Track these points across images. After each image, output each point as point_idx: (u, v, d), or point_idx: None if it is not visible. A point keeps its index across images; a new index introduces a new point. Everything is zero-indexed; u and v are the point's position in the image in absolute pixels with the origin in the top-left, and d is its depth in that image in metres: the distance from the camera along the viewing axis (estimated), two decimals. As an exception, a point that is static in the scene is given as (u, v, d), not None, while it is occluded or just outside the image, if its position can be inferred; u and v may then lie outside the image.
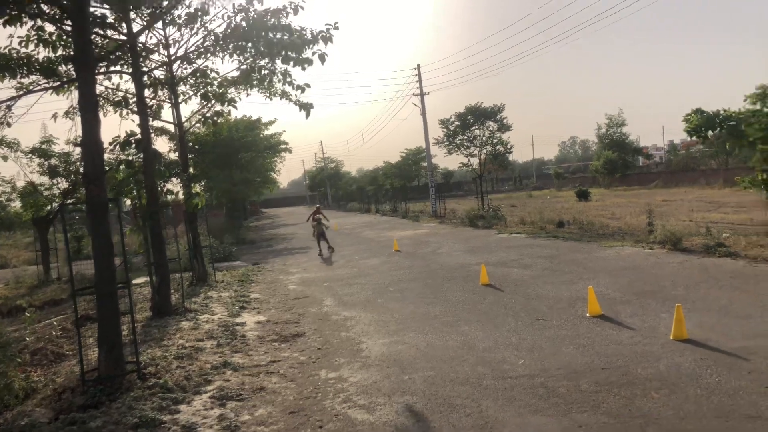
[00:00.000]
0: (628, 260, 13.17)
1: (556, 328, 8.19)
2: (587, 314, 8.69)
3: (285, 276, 16.07)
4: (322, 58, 11.91)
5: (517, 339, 7.83)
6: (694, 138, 15.28)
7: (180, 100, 15.05)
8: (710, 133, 13.90)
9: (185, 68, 13.81)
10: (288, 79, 12.48)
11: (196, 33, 13.01)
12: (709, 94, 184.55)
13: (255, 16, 12.27)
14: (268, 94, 13.92)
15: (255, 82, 13.66)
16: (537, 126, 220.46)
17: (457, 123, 29.91)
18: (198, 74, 13.81)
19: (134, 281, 15.13)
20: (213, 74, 13.85)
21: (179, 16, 12.70)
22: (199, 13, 12.42)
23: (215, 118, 15.00)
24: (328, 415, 5.81)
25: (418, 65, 38.99)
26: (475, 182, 32.60)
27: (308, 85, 12.45)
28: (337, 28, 11.50)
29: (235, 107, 13.87)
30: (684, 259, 12.57)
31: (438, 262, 15.83)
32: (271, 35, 12.18)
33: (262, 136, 34.23)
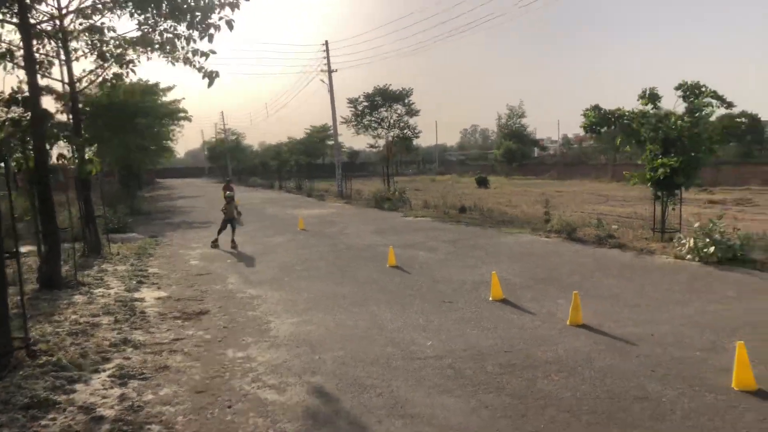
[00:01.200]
0: (527, 247, 13.83)
1: (461, 310, 8.46)
2: (490, 298, 9.04)
3: (185, 251, 15.50)
4: (229, 24, 11.45)
5: (425, 320, 8.02)
6: (588, 133, 16.16)
7: (73, 57, 13.98)
8: (604, 129, 14.74)
9: (80, 23, 12.85)
10: (192, 45, 11.95)
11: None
12: (603, 92, 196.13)
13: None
14: (170, 59, 13.24)
15: (156, 46, 12.97)
16: (441, 112, 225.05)
17: (365, 103, 29.93)
18: (94, 31, 12.88)
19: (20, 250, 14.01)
20: (111, 33, 12.98)
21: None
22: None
23: (113, 81, 14.08)
24: (236, 395, 5.69)
25: (326, 41, 38.44)
26: (382, 164, 32.86)
27: (213, 52, 11.93)
28: (247, -1, 11.08)
29: (134, 71, 13.12)
30: (578, 248, 13.37)
31: (345, 243, 15.86)
32: (175, -4, 11.57)
33: (160, 102, 32.64)
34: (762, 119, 48.98)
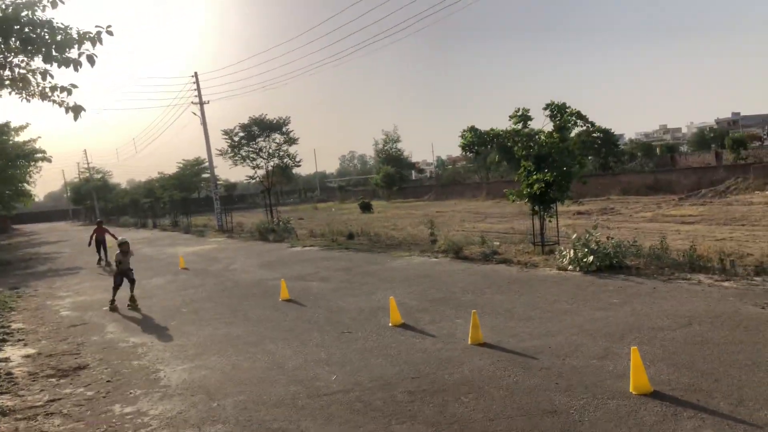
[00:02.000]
0: (419, 269, 13.97)
1: (362, 340, 8.29)
2: (390, 324, 8.95)
3: (53, 301, 14.12)
4: (90, 59, 10.71)
5: (326, 354, 7.76)
6: (465, 153, 16.69)
7: None
8: (481, 148, 15.35)
9: None
10: (49, 81, 11.08)
11: None
12: (473, 115, 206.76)
13: (9, 8, 10.67)
14: (24, 95, 12.16)
15: (7, 82, 11.88)
16: (318, 140, 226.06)
17: (242, 134, 29.23)
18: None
19: None
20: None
21: None
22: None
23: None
24: (129, 458, 5.13)
25: (196, 73, 37.34)
26: (263, 195, 32.18)
27: (75, 86, 11.13)
28: (111, 33, 10.44)
29: (-19, 108, 11.90)
30: (467, 266, 13.70)
31: (232, 279, 15.20)
32: (27, 30, 10.69)
33: (11, 142, 29.99)
34: (614, 133, 53.64)
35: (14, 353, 9.09)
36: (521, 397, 5.70)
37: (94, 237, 21.44)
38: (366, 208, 42.05)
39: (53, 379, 7.59)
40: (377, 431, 5.27)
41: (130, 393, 6.82)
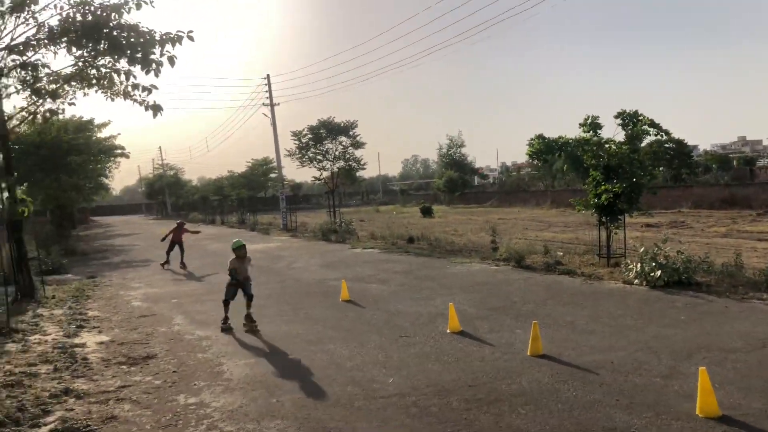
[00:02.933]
0: (478, 276, 13.88)
1: (420, 344, 8.31)
2: (448, 330, 8.94)
3: (126, 291, 14.81)
4: (171, 60, 11.26)
5: (384, 356, 7.83)
6: (532, 161, 16.42)
7: (3, 94, 13.36)
8: (549, 156, 15.11)
9: (13, 60, 12.34)
10: (132, 80, 11.68)
11: (26, 23, 11.70)
12: (539, 122, 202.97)
13: (98, 11, 11.30)
14: (109, 94, 12.85)
15: (93, 81, 12.59)
16: (382, 143, 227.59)
17: (309, 136, 29.81)
18: (29, 68, 12.41)
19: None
20: (45, 70, 12.52)
21: (1, 2, 11.39)
22: (27, 1, 11.18)
23: (47, 114, 13.50)
24: (192, 446, 5.34)
25: (268, 75, 38.44)
26: (327, 196, 32.68)
27: (155, 87, 11.68)
28: (192, 39, 10.93)
29: (73, 104, 12.66)
30: (528, 276, 13.50)
31: (294, 278, 15.52)
32: (115, 33, 11.29)
33: (94, 138, 31.63)
34: (688, 144, 51.57)
35: (90, 339, 9.59)
36: (579, 412, 5.59)
37: (170, 237, 19.68)
38: (427, 212, 42.00)
39: (124, 367, 7.97)
40: (432, 437, 5.29)
41: (194, 384, 7.08)
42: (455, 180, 67.59)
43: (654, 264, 11.44)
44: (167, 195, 79.85)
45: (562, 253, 15.54)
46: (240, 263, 10.04)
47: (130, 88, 11.82)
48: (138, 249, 28.48)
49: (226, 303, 10.04)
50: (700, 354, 7.10)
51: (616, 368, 6.77)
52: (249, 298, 10.06)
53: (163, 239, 20.02)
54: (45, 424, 5.87)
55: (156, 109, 11.95)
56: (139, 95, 11.79)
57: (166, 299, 13.30)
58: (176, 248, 19.49)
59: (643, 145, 15.12)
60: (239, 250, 10.00)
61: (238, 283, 9.91)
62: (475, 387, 6.48)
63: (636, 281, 11.63)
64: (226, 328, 9.88)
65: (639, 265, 11.77)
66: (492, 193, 66.04)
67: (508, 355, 7.59)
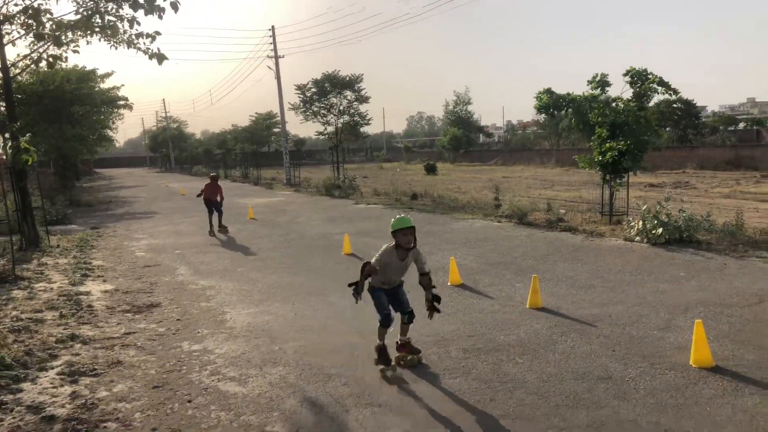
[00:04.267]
0: (480, 232, 13.93)
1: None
2: (449, 283, 9.03)
3: (130, 242, 14.93)
4: (174, 6, 11.07)
5: (385, 308, 7.92)
6: (539, 115, 16.22)
7: (6, 40, 13.21)
8: (556, 111, 14.97)
9: (15, 4, 12.17)
10: (136, 28, 11.52)
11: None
12: (545, 81, 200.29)
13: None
14: (113, 42, 12.68)
15: (97, 29, 12.40)
16: (387, 99, 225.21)
17: (314, 90, 29.48)
18: (30, 12, 12.21)
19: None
20: (48, 16, 12.32)
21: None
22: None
23: (50, 59, 13.35)
24: (196, 388, 5.48)
25: (273, 26, 37.86)
26: (330, 151, 32.56)
27: (159, 33, 11.52)
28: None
29: (77, 51, 12.51)
30: (530, 232, 13.55)
31: (298, 231, 15.61)
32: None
33: (98, 89, 31.34)
34: (697, 104, 50.91)
35: (95, 288, 9.72)
36: (576, 362, 5.70)
37: (205, 191, 15.81)
38: (431, 169, 41.88)
39: (129, 314, 8.10)
40: (431, 383, 5.41)
41: (198, 332, 7.21)
42: (460, 138, 67.12)
43: (656, 222, 11.46)
44: (170, 148, 79.61)
45: (564, 211, 15.56)
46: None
47: (134, 37, 11.66)
48: (141, 201, 28.57)
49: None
50: (697, 308, 7.19)
51: (613, 321, 6.87)
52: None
53: (200, 195, 16.18)
54: (52, 368, 6.00)
55: (160, 57, 11.80)
56: (144, 43, 11.64)
57: (169, 250, 13.42)
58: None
59: (651, 104, 14.93)
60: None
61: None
62: (474, 337, 6.59)
63: (637, 239, 11.67)
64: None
65: (641, 222, 11.80)
66: (497, 151, 65.60)
67: (508, 307, 7.69)
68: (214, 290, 9.41)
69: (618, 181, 14.15)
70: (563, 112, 15.18)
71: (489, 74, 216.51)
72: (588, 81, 14.51)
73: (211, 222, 15.71)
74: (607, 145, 13.71)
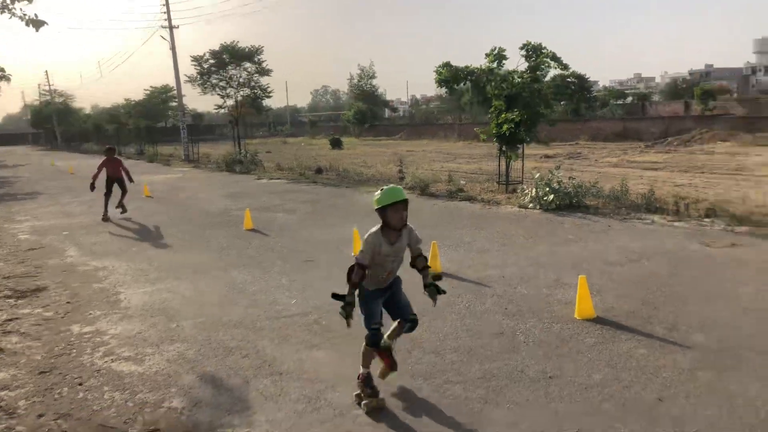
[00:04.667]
0: (383, 204, 14.08)
1: (325, 268, 8.43)
2: (353, 254, 9.07)
3: (10, 224, 13.89)
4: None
5: (288, 280, 7.89)
6: (439, 89, 16.37)
7: None
8: (456, 85, 15.29)
9: None
10: (9, -9, 10.60)
11: None
12: (449, 56, 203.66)
13: None
14: (-18, 7, 11.60)
15: (-37, -9, 11.31)
16: (291, 72, 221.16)
17: (212, 61, 28.42)
18: None
19: None
20: None
21: None
22: None
23: None
24: (87, 371, 5.23)
25: (166, -6, 35.87)
26: (231, 126, 31.63)
27: (36, -6, 10.69)
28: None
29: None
30: (432, 203, 13.87)
31: (197, 208, 15.13)
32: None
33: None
34: (589, 79, 53.67)
35: (-29, 273, 9.01)
36: (471, 321, 5.95)
37: (98, 174, 13.86)
38: (336, 144, 41.75)
39: (11, 300, 7.58)
40: (332, 350, 5.46)
41: (90, 314, 6.87)
42: (365, 112, 67.22)
43: (547, 189, 12.06)
44: (55, 123, 74.25)
45: (464, 182, 16.02)
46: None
47: (8, 1, 10.73)
48: (24, 181, 26.60)
49: None
50: (583, 267, 7.67)
51: (506, 282, 7.21)
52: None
53: (93, 185, 13.81)
54: None
55: (38, 24, 10.95)
56: (19, 8, 10.74)
57: (56, 232, 12.61)
58: (114, 187, 14.28)
59: (547, 79, 15.57)
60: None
61: None
62: (375, 304, 6.69)
63: (531, 205, 12.25)
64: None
65: (534, 190, 12.38)
66: (402, 125, 66.31)
67: (408, 275, 7.82)
68: (107, 271, 8.96)
69: (514, 152, 14.70)
70: (462, 85, 15.52)
71: (394, 48, 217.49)
72: (486, 54, 14.89)
73: (106, 206, 13.91)
74: (504, 116, 14.20)
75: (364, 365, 4.55)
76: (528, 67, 14.49)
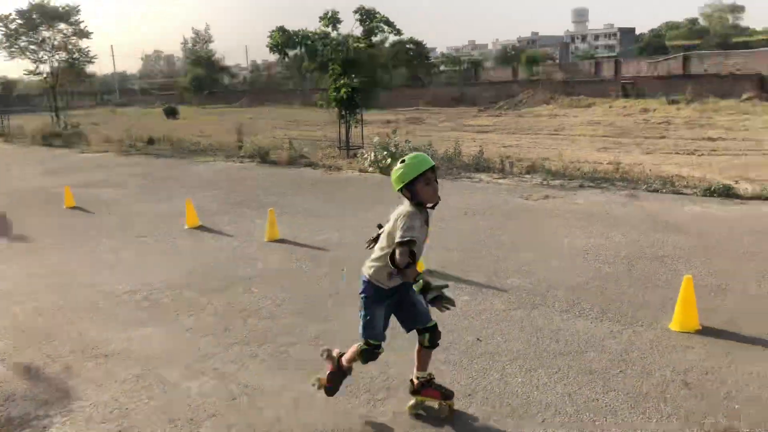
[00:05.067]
0: (222, 174, 13.65)
1: (156, 243, 8.00)
2: (186, 227, 8.71)
3: None
4: None
5: (115, 259, 7.39)
6: (275, 54, 16.00)
7: None
8: (291, 50, 15.02)
9: None
10: None
11: None
12: (289, 18, 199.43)
13: None
14: None
15: None
16: (116, 36, 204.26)
17: (19, 21, 25.39)
18: None
19: None
20: None
21: None
22: None
23: None
24: None
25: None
26: (47, 95, 28.62)
27: None
28: None
29: None
30: (272, 171, 13.66)
31: (9, 187, 13.58)
32: None
33: None
34: (426, 46, 55.49)
35: None
36: (308, 285, 5.99)
37: None
38: (171, 113, 39.44)
39: None
40: (163, 326, 5.22)
41: None
42: (203, 79, 64.12)
43: (385, 153, 12.39)
44: None
45: (307, 148, 15.95)
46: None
47: None
48: None
49: None
50: (416, 225, 8.01)
51: (344, 244, 7.35)
52: None
53: None
54: None
55: None
56: None
57: None
58: None
59: (387, 45, 15.82)
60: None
61: None
62: (210, 275, 6.50)
63: (370, 169, 12.53)
64: None
65: (373, 154, 12.65)
66: (242, 92, 64.12)
67: (246, 243, 7.71)
68: None
69: (353, 117, 14.87)
70: (299, 50, 15.30)
71: (232, 10, 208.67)
72: (320, 18, 14.76)
73: None
74: (342, 81, 14.26)
75: (342, 363, 3.69)
76: (363, 31, 14.63)
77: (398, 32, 15.41)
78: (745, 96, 30.18)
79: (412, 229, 3.30)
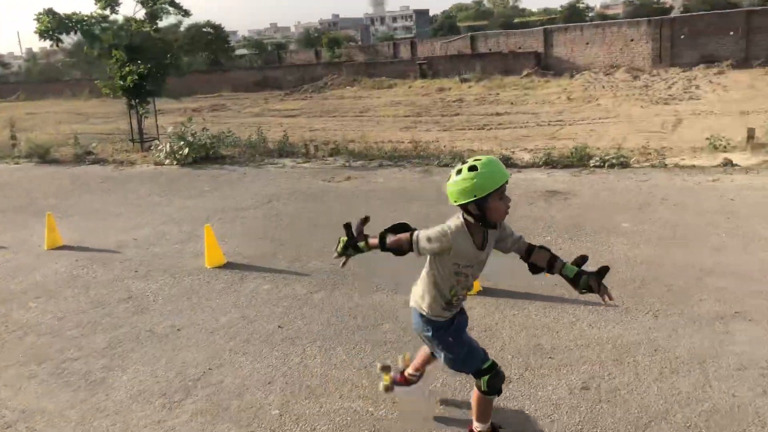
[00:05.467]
0: (-7, 177, 12.02)
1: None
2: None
3: None
4: None
5: None
6: (46, 41, 14.33)
7: None
8: (64, 35, 13.57)
9: None
10: None
11: None
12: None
13: None
14: None
15: None
16: None
17: None
18: None
19: None
20: None
21: None
22: None
23: None
24: None
25: None
26: None
27: None
28: None
29: None
30: (54, 170, 12.30)
31: None
32: None
33: None
34: (225, 29, 53.51)
35: None
36: (97, 292, 5.52)
37: None
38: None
39: None
40: None
41: None
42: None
43: (182, 143, 11.79)
44: None
45: (96, 144, 14.62)
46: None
47: None
48: None
49: None
50: (217, 216, 7.77)
51: (138, 244, 6.87)
52: None
53: None
54: None
55: None
56: None
57: None
58: None
59: (182, 30, 14.95)
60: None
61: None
62: (-22, 294, 5.71)
63: (167, 161, 11.84)
64: None
65: (168, 145, 11.98)
66: (17, 84, 56.93)
67: (22, 253, 6.89)
68: None
69: (144, 106, 13.93)
70: (74, 35, 13.88)
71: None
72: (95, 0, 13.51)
73: None
74: (127, 68, 13.25)
75: (481, 421, 3.06)
76: (146, 14, 13.67)
77: (186, 13, 14.60)
78: (525, 72, 33.51)
79: (430, 240, 2.79)
